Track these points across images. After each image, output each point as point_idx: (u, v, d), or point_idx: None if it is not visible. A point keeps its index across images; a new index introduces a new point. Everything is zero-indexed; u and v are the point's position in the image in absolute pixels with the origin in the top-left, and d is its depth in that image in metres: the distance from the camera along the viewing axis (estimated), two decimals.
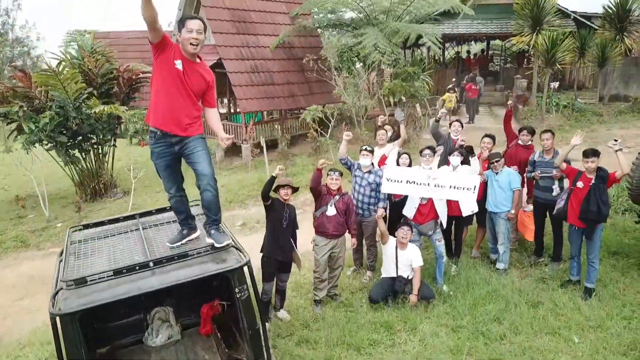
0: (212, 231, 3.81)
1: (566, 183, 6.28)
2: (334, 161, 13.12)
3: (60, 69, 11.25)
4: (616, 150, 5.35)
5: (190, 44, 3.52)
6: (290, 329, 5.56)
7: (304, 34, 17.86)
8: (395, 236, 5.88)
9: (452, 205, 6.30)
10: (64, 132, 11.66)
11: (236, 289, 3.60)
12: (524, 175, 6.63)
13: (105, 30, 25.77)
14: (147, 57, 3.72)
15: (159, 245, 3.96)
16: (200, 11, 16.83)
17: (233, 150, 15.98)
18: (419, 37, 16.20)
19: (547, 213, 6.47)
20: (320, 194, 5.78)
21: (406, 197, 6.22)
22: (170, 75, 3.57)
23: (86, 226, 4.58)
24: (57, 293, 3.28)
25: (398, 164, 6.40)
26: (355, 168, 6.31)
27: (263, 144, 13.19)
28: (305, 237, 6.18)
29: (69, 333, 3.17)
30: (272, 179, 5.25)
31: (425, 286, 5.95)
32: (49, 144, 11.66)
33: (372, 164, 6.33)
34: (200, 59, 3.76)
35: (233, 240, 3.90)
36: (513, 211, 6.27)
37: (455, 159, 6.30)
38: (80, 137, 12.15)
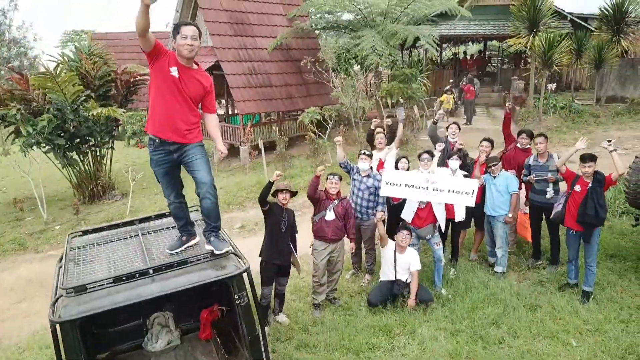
0: (212, 238, 3.81)
1: (561, 186, 6.33)
2: (332, 163, 13.16)
3: (57, 72, 11.24)
4: (611, 151, 5.38)
5: (186, 49, 3.52)
6: (289, 332, 5.57)
7: (302, 36, 17.87)
8: (394, 240, 5.89)
9: (448, 207, 6.31)
10: (62, 134, 11.68)
11: (235, 295, 3.61)
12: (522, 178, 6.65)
13: (103, 30, 25.75)
14: (145, 59, 3.71)
15: (158, 251, 3.96)
16: (197, 13, 16.84)
17: (231, 152, 15.96)
18: (417, 38, 16.23)
19: (544, 216, 6.51)
20: (318, 201, 5.79)
21: (405, 200, 6.24)
22: (165, 82, 3.57)
23: (85, 232, 4.57)
24: (57, 300, 3.28)
25: (397, 167, 6.41)
26: (354, 172, 6.32)
27: (261, 145, 13.19)
28: (304, 239, 6.19)
29: (68, 340, 3.18)
30: (270, 184, 5.25)
31: (424, 289, 5.97)
32: (47, 147, 11.65)
33: (371, 168, 6.35)
34: (198, 65, 3.76)
35: (232, 247, 3.90)
36: (511, 215, 6.29)
37: (453, 162, 6.31)
38: (78, 140, 12.15)
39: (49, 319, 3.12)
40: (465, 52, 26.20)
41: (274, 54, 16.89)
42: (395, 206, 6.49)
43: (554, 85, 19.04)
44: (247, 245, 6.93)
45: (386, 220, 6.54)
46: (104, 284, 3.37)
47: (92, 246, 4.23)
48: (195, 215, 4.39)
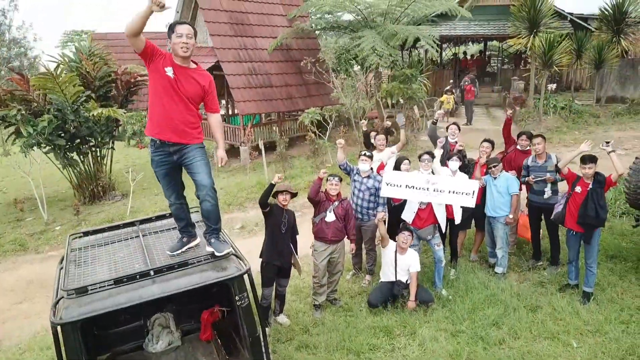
0: (212, 240, 3.82)
1: (560, 186, 6.34)
2: (332, 163, 13.16)
3: (58, 72, 11.25)
4: (609, 152, 5.39)
5: (181, 48, 3.52)
6: (290, 333, 5.57)
7: (302, 36, 17.87)
8: (394, 240, 5.90)
9: (447, 207, 6.31)
10: (62, 135, 11.68)
11: (236, 296, 3.62)
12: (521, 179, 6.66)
13: (103, 31, 25.74)
14: None
15: (159, 253, 3.96)
16: (197, 14, 16.85)
17: (231, 152, 15.97)
18: (417, 39, 16.24)
19: (543, 216, 6.52)
20: (319, 203, 5.79)
21: (406, 201, 6.25)
22: (161, 83, 3.57)
23: (86, 233, 4.57)
24: (58, 302, 3.29)
25: (399, 169, 6.41)
26: (354, 173, 6.33)
27: (261, 146, 13.20)
28: (305, 240, 6.19)
29: (70, 341, 3.18)
30: (271, 186, 5.24)
31: (424, 290, 5.97)
32: (47, 147, 11.66)
33: (371, 169, 6.35)
34: (197, 64, 3.75)
35: (233, 248, 3.91)
36: (512, 216, 6.29)
37: (453, 163, 6.32)
38: (79, 140, 12.16)
39: (50, 321, 3.12)
40: (465, 53, 26.21)
41: (274, 55, 16.90)
42: (396, 207, 6.49)
43: (554, 86, 19.05)
44: (248, 245, 6.95)
45: (387, 220, 6.54)
46: (105, 286, 3.38)
47: (93, 247, 4.23)
48: (196, 217, 4.38)
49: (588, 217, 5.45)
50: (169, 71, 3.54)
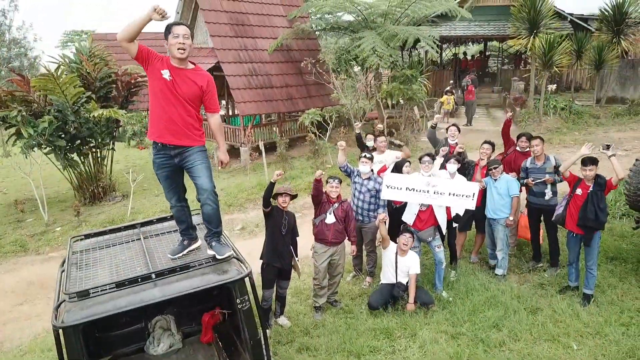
0: (214, 243, 3.82)
1: (559, 187, 6.34)
2: (333, 164, 13.17)
3: (58, 73, 11.25)
4: (609, 156, 5.40)
5: (178, 49, 3.51)
6: (290, 335, 5.58)
7: (302, 37, 17.87)
8: (395, 242, 5.91)
9: (446, 208, 6.32)
10: (63, 136, 11.69)
11: (238, 299, 3.63)
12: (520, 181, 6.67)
13: (103, 31, 25.73)
14: None
15: (160, 255, 3.97)
16: (198, 14, 16.86)
17: (232, 153, 15.97)
18: (417, 39, 16.23)
19: (542, 218, 6.53)
20: (320, 202, 5.81)
21: (406, 203, 6.25)
22: (158, 86, 3.57)
23: (87, 236, 4.58)
24: (59, 305, 3.29)
25: (400, 171, 6.41)
26: (355, 175, 6.33)
27: (262, 147, 13.20)
28: (305, 242, 6.20)
29: (71, 344, 3.19)
30: (272, 184, 5.26)
31: (425, 292, 5.98)
32: (48, 148, 11.67)
33: (372, 170, 6.36)
34: (195, 65, 3.74)
35: (234, 251, 3.91)
36: (512, 218, 6.30)
37: (451, 166, 6.32)
38: (79, 141, 12.17)
39: (52, 324, 3.13)
40: (465, 53, 26.21)
41: (274, 55, 16.91)
42: (397, 209, 6.50)
43: (554, 86, 19.07)
44: (248, 247, 6.96)
45: (387, 222, 6.54)
46: (106, 289, 3.39)
47: (94, 250, 4.24)
48: (197, 219, 4.38)
49: (588, 219, 5.45)
50: (166, 74, 3.54)
